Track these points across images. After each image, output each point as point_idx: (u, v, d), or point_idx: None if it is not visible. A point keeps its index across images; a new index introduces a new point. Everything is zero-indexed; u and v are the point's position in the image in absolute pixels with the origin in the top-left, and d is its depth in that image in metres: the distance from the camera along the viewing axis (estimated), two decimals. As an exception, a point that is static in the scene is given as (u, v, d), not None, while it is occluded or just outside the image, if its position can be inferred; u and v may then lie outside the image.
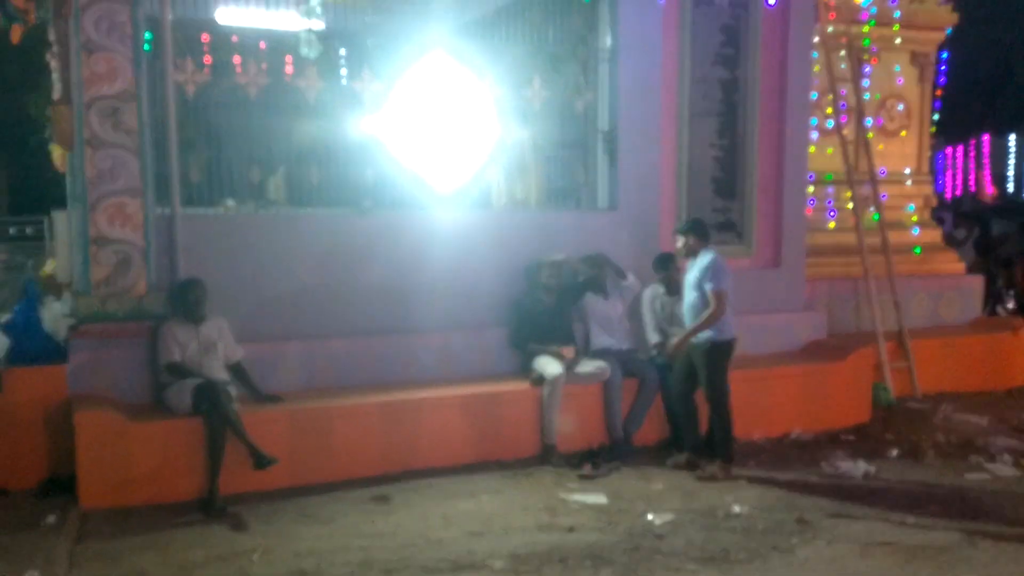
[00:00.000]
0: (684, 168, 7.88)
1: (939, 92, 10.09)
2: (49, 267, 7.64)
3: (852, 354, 7.81)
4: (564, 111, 7.84)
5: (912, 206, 9.87)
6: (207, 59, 6.68)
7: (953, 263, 9.89)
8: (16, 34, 7.36)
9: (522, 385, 6.77)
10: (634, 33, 7.61)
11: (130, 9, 5.97)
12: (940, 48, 9.90)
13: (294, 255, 6.69)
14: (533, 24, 8.29)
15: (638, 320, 7.36)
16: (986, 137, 24.63)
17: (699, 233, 6.54)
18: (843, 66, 9.13)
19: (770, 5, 7.77)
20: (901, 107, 9.76)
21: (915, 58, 9.74)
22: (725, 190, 8.08)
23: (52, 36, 7.82)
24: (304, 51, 7.94)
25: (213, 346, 6.08)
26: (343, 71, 9.43)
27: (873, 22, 9.27)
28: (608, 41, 7.69)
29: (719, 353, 6.39)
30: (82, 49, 5.88)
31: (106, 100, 5.94)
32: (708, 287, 6.31)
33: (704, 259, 6.42)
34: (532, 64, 7.93)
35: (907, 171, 9.89)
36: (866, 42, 9.35)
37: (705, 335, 6.35)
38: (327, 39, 8.24)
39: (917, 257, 9.60)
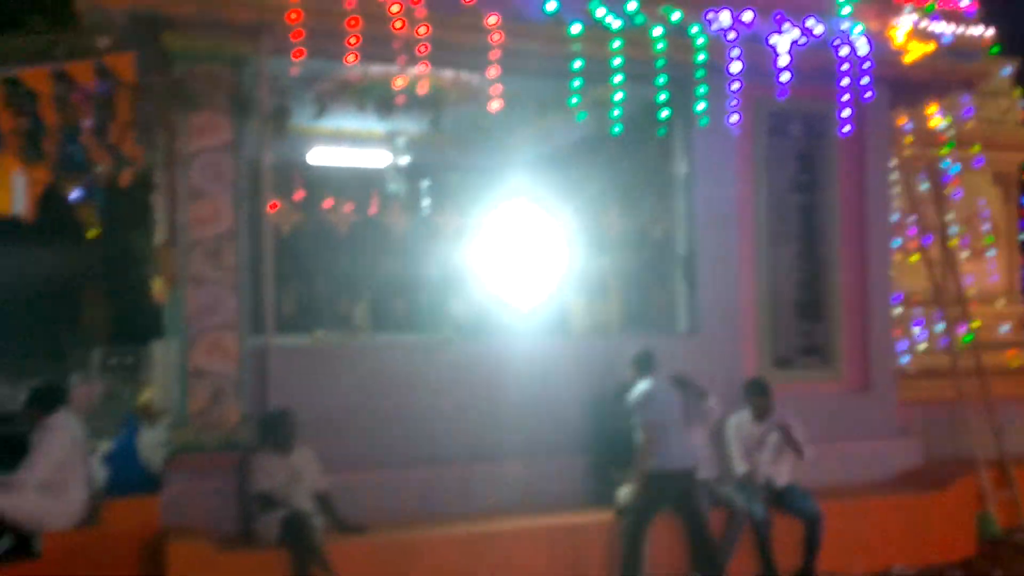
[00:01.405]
0: (764, 292, 7.85)
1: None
2: (145, 396, 7.95)
3: (954, 483, 7.48)
4: (642, 238, 7.96)
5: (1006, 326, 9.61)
6: (300, 195, 7.05)
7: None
8: (125, 178, 7.90)
9: (606, 515, 6.65)
10: (708, 162, 7.76)
11: (233, 157, 6.37)
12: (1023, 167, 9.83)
13: (378, 384, 6.82)
14: (609, 155, 8.53)
15: (721, 447, 7.23)
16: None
17: (638, 364, 6.77)
18: (925, 187, 9.11)
19: (844, 134, 7.86)
20: (987, 227, 9.64)
21: (998, 178, 9.67)
22: (809, 313, 8.00)
23: (158, 179, 8.39)
24: (391, 187, 8.34)
25: (300, 476, 6.17)
26: (426, 203, 9.82)
27: (952, 144, 9.28)
28: (683, 170, 7.85)
29: (648, 485, 6.34)
30: (188, 195, 6.27)
31: (209, 241, 6.29)
32: (634, 420, 6.49)
33: (634, 389, 6.62)
34: (609, 193, 8.14)
35: (997, 290, 9.66)
36: (947, 164, 9.34)
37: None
38: (412, 175, 8.64)
39: (1016, 379, 9.26)
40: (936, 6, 8.40)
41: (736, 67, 7.39)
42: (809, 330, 7.98)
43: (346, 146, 9.33)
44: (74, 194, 7.50)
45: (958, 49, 8.35)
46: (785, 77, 7.48)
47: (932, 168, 9.09)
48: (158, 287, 8.20)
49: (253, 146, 6.66)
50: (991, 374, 8.78)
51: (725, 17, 7.41)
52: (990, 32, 9.33)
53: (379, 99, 7.42)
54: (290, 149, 7.62)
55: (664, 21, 7.33)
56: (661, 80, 7.46)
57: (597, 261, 8.13)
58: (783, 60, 7.46)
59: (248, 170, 6.58)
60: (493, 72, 7.01)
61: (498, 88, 7.01)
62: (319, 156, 9.38)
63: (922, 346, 9.21)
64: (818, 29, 7.72)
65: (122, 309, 15.55)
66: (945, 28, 8.39)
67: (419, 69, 6.86)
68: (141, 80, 6.11)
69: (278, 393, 6.49)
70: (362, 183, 8.57)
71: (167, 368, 7.14)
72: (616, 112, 7.58)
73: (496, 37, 6.82)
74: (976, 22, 9.18)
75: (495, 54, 6.87)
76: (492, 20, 6.80)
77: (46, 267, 15.24)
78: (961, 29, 9.04)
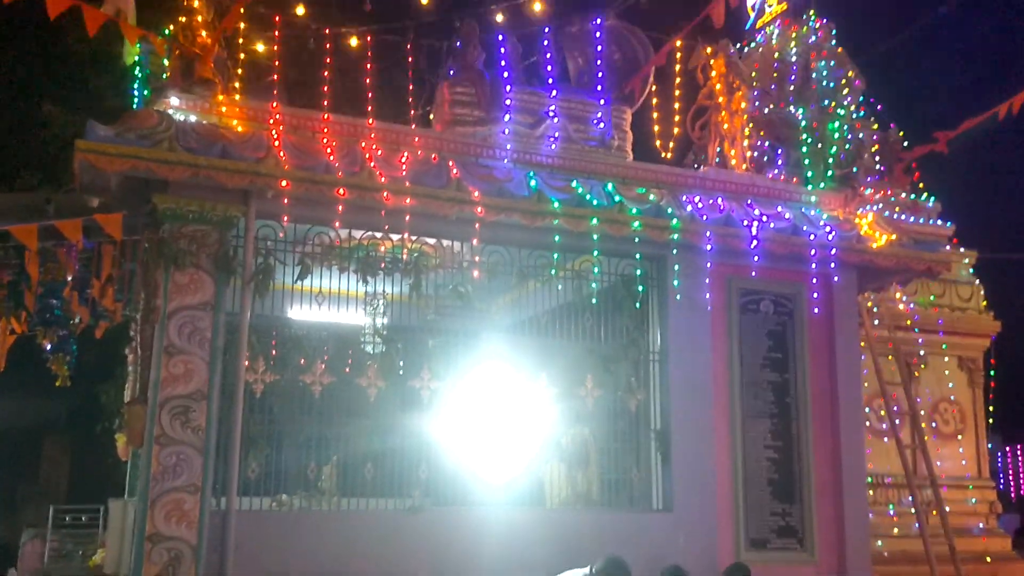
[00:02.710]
0: (739, 471, 7.79)
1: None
2: (98, 557, 7.60)
3: None
4: (617, 409, 7.95)
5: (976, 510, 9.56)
6: (275, 354, 7.03)
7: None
8: (101, 330, 7.87)
9: None
10: (683, 336, 7.87)
11: (212, 316, 6.40)
12: (988, 353, 10.07)
13: (344, 552, 6.59)
14: (586, 324, 8.64)
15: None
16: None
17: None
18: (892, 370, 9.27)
19: (814, 314, 8.06)
20: (955, 411, 9.77)
21: (963, 363, 9.90)
22: (783, 493, 7.92)
23: (133, 333, 8.37)
24: (367, 348, 8.34)
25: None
26: (401, 364, 9.80)
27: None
28: (658, 342, 7.95)
29: None
30: (163, 352, 6.24)
31: (179, 400, 6.21)
32: None
33: None
34: (585, 363, 8.18)
35: (967, 475, 9.69)
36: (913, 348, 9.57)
37: None
38: (389, 337, 8.68)
39: (988, 567, 9.14)
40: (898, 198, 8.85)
41: (708, 247, 7.64)
42: (783, 510, 7.88)
43: (325, 305, 9.38)
44: (49, 346, 7.44)
45: (921, 239, 8.73)
46: (756, 258, 7.73)
47: (899, 351, 9.28)
48: (122, 444, 8.01)
49: (233, 303, 6.70)
50: (963, 560, 8.67)
51: (698, 201, 7.73)
52: (950, 225, 9.82)
53: (362, 263, 7.57)
54: (269, 305, 7.66)
55: (640, 201, 7.63)
56: (637, 256, 7.69)
57: (576, 430, 8.08)
58: (754, 242, 7.73)
59: (225, 327, 6.59)
60: (475, 242, 7.19)
61: (479, 257, 7.18)
62: (298, 313, 9.42)
63: (895, 529, 9.10)
64: (787, 214, 8.06)
65: (83, 464, 15.10)
66: (908, 219, 8.80)
67: (403, 236, 7.03)
68: (128, 238, 6.20)
69: (238, 560, 6.24)
70: (339, 342, 8.56)
71: (124, 529, 6.87)
72: (593, 283, 7.78)
73: (479, 210, 7.04)
74: (937, 215, 9.66)
75: (477, 226, 7.07)
76: (476, 194, 7.05)
77: (7, 416, 14.87)
78: (923, 220, 9.49)
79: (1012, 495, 22.88)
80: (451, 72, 8.05)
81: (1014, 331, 10.39)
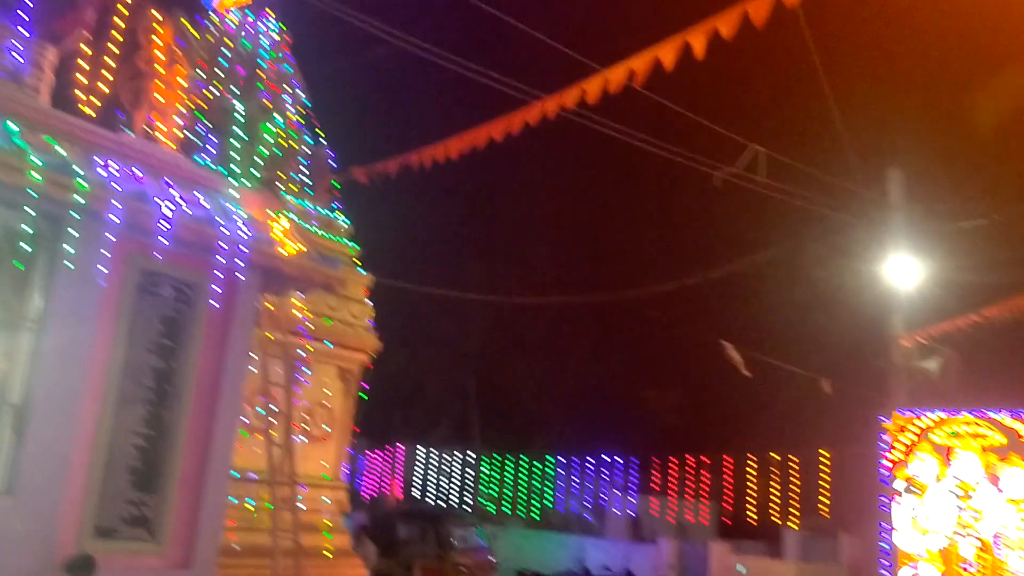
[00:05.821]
0: (101, 456, 7.37)
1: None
2: None
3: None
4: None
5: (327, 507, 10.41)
6: None
7: (358, 568, 10.46)
8: None
9: None
10: (67, 308, 7.23)
11: None
12: (365, 366, 11.11)
13: None
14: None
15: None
16: (400, 446, 27.72)
17: None
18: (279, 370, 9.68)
19: (215, 306, 8.05)
20: (327, 416, 10.57)
21: (343, 373, 10.77)
22: (144, 482, 7.67)
23: None
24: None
25: None
26: None
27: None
28: (40, 306, 7.19)
29: None
30: None
31: None
32: None
33: None
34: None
35: (326, 476, 10.52)
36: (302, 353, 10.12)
37: None
38: None
39: (328, 561, 9.99)
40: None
41: (114, 218, 7.18)
42: (141, 500, 7.63)
43: None
44: None
45: (328, 254, 9.32)
46: (164, 240, 7.47)
47: (288, 355, 9.74)
48: None
49: None
50: (309, 554, 9.35)
51: (112, 167, 7.23)
52: (357, 247, 10.69)
53: None
54: None
55: (46, 151, 6.87)
56: (31, 213, 6.88)
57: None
58: (164, 224, 7.46)
59: None
60: None
61: None
62: None
63: (252, 525, 9.45)
64: (203, 202, 7.95)
65: None
66: (320, 233, 9.34)
67: None
68: None
69: None
70: None
71: None
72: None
73: None
74: (348, 236, 10.41)
75: None
76: None
77: None
78: (334, 237, 10.17)
79: (365, 496, 25.60)
80: None
81: (389, 351, 11.64)
